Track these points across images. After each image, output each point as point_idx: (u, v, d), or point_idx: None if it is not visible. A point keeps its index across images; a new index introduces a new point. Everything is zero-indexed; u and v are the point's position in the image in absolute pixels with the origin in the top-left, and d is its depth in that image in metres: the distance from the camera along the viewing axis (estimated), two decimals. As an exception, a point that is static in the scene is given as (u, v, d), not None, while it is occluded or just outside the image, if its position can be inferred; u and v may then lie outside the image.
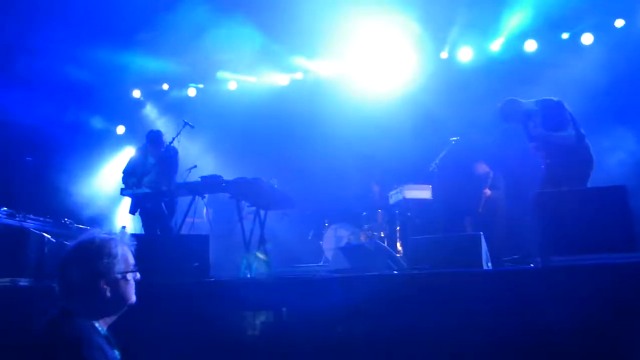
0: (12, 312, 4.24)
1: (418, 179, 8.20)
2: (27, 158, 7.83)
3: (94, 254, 2.33)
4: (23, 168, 7.79)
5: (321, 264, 8.49)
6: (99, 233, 2.40)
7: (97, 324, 2.31)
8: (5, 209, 6.90)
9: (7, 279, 4.67)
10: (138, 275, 2.45)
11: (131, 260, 2.42)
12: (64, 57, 9.15)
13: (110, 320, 2.39)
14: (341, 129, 9.19)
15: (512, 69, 8.69)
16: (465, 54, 9.44)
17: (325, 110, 9.50)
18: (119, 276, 2.35)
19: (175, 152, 6.84)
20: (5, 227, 6.65)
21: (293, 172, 9.24)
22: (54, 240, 5.30)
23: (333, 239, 8.87)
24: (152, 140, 6.89)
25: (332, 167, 9.12)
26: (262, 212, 6.76)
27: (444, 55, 9.60)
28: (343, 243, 8.44)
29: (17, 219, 7.04)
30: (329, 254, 8.52)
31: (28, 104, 9.10)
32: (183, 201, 6.74)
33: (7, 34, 8.62)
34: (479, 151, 8.19)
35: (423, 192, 7.99)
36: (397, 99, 9.26)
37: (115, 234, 2.43)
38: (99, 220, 9.71)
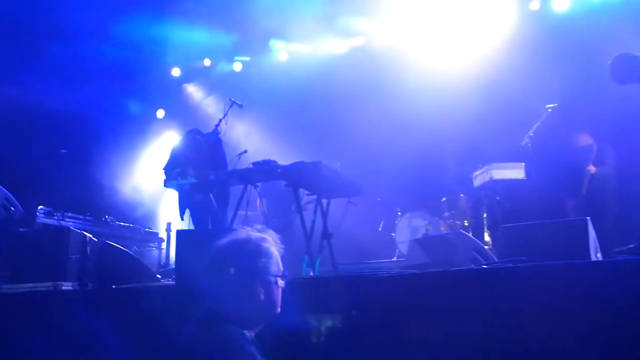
0: (55, 319, 4.45)
1: (508, 156, 7.99)
2: (62, 150, 8.19)
3: (252, 252, 2.47)
4: (58, 161, 8.16)
5: (395, 259, 8.50)
6: (251, 231, 2.55)
7: (246, 332, 2.42)
8: (42, 207, 7.25)
9: (49, 283, 4.87)
10: (283, 282, 2.57)
11: (280, 264, 2.55)
12: (97, 37, 9.49)
13: (257, 329, 2.50)
14: (412, 101, 9.07)
15: (622, 17, 8.25)
16: (561, 2, 9.09)
17: (392, 80, 9.40)
18: (273, 279, 2.47)
19: (219, 142, 6.99)
20: (44, 226, 7.01)
21: (358, 154, 9.23)
22: (96, 240, 5.51)
23: (407, 229, 8.83)
24: (191, 137, 7.06)
25: (403, 147, 9.05)
26: (324, 201, 6.79)
27: (535, 5, 9.27)
28: (420, 234, 8.39)
29: (56, 217, 7.40)
30: (403, 248, 8.48)
31: (62, 91, 9.51)
32: (234, 191, 6.86)
33: (38, 18, 9.02)
34: (580, 120, 7.87)
35: (514, 172, 7.77)
36: (478, 63, 9.02)
37: (266, 232, 2.58)
38: (142, 216, 10.09)
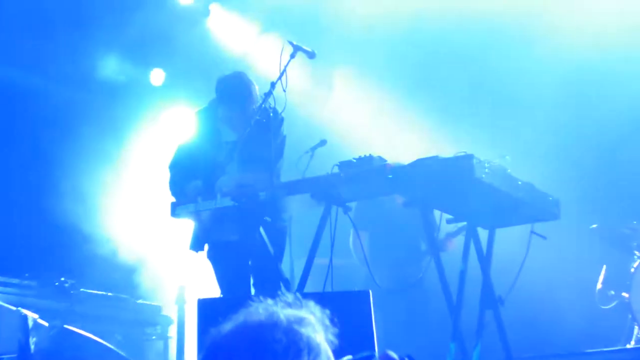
0: None
1: None
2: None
3: (285, 349, 2.49)
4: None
5: (632, 344, 8.39)
6: (276, 306, 2.57)
7: None
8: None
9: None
10: None
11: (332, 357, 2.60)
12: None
13: None
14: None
15: None
16: None
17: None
18: None
19: (279, 121, 7.10)
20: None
21: (541, 142, 9.25)
22: (45, 324, 5.64)
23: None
24: (230, 98, 7.11)
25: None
26: (481, 232, 6.78)
27: None
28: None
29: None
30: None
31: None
32: (305, 220, 6.89)
33: None
34: None
35: None
36: None
37: (304, 305, 2.61)
38: (131, 277, 10.24)
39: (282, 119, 7.10)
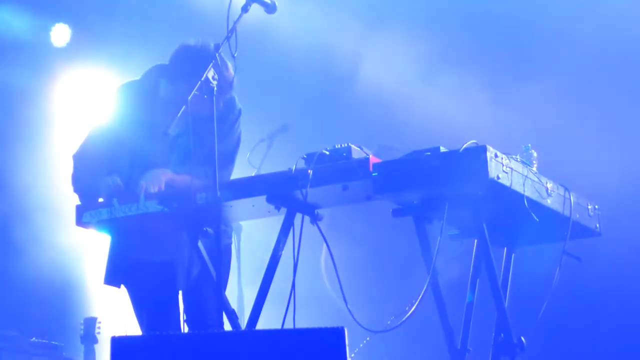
0: None
1: None
2: None
3: None
4: None
5: None
6: None
7: None
8: None
9: None
10: None
11: None
12: None
13: None
14: None
15: None
16: None
17: None
18: None
19: (235, 112, 7.13)
20: None
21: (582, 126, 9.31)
22: None
23: None
24: (189, 74, 6.94)
25: None
26: (497, 254, 6.76)
27: None
28: None
29: None
30: None
31: None
32: (259, 232, 6.86)
33: None
34: None
35: None
36: None
37: None
38: (22, 307, 10.21)
39: (239, 110, 7.05)
